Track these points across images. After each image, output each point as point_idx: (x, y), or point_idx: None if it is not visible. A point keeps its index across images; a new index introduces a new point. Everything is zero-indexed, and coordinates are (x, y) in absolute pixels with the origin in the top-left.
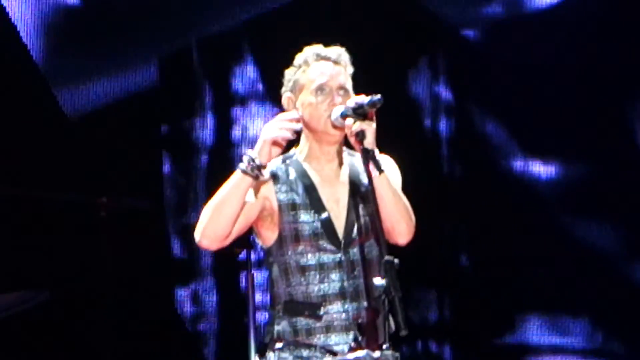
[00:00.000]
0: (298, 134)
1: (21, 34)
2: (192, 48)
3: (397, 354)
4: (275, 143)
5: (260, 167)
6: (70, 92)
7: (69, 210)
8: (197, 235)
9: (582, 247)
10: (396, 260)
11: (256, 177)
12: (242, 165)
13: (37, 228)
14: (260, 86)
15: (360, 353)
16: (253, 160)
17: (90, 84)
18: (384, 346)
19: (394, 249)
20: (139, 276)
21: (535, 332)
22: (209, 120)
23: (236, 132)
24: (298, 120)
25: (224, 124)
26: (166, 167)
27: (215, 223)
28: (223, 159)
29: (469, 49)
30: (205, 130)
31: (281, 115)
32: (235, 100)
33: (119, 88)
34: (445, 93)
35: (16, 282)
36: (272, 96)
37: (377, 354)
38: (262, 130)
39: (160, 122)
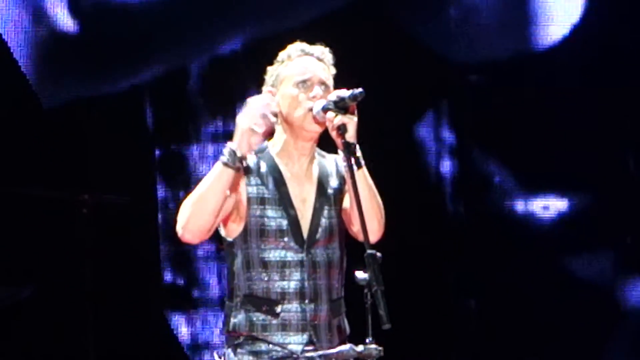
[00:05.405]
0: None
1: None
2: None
3: (381, 348)
4: (253, 131)
5: (241, 159)
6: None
7: (51, 207)
8: (180, 229)
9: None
10: (379, 254)
11: (238, 169)
12: (224, 158)
13: (20, 225)
14: None
15: (344, 347)
16: (234, 152)
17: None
18: (367, 340)
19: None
20: (122, 273)
21: None
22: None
23: None
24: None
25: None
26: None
27: (198, 217)
28: None
29: (473, 91)
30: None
31: (253, 101)
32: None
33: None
34: (449, 135)
35: None
36: None
37: (360, 347)
38: (238, 119)
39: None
